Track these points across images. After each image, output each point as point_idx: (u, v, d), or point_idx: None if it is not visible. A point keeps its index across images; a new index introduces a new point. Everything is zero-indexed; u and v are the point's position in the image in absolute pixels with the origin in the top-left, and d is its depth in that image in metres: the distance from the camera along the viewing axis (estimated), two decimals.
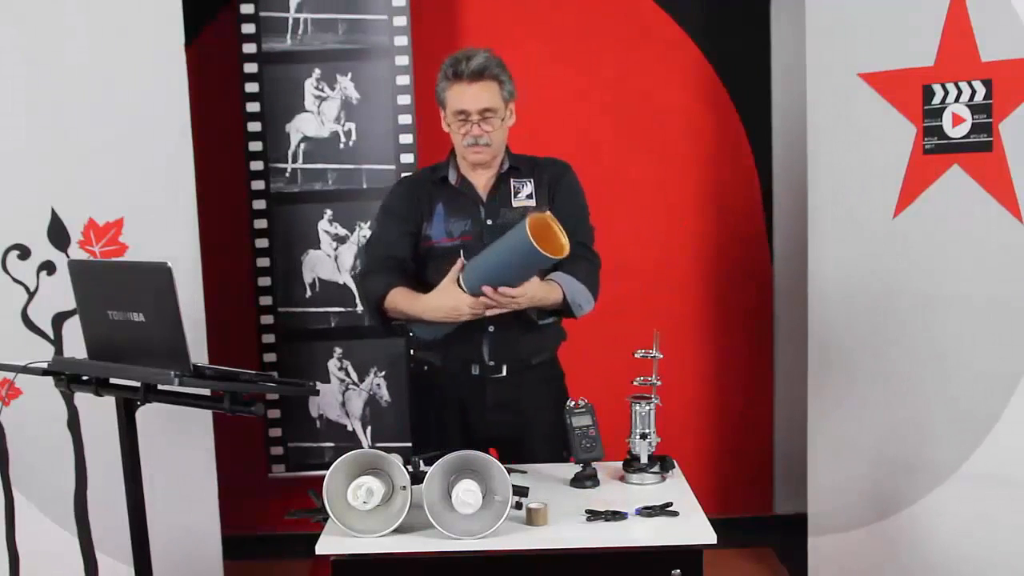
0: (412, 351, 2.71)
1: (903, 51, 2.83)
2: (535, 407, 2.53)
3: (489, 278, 2.30)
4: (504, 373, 2.50)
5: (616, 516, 2.06)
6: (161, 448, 2.68)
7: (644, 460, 2.31)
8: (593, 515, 2.06)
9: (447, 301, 2.36)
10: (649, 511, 2.10)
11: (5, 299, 2.86)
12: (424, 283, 2.50)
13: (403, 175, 2.67)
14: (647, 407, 2.33)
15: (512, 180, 2.52)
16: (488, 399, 2.51)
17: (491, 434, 2.50)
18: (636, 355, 2.34)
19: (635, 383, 2.34)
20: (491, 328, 2.47)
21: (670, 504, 2.11)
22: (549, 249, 2.22)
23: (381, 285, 2.47)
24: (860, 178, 2.96)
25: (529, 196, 2.51)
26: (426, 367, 2.59)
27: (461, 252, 2.43)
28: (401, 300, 2.44)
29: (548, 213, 2.31)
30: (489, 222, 2.49)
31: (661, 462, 2.32)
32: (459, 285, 2.36)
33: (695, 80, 3.82)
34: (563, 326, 2.62)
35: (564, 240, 2.26)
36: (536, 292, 2.36)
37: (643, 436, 2.32)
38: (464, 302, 2.34)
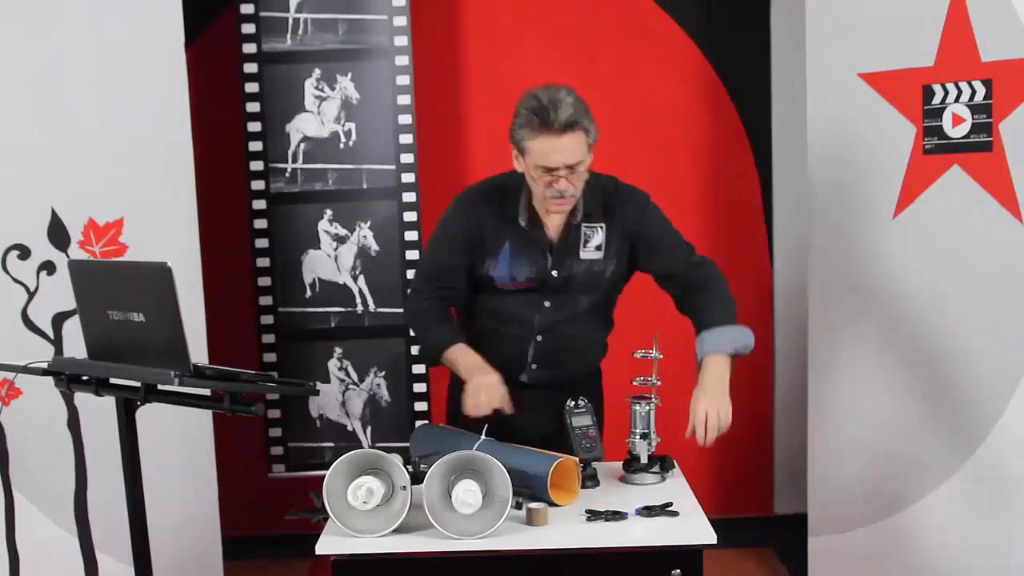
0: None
1: (903, 51, 2.83)
2: None
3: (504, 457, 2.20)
4: (545, 382, 2.45)
5: (616, 516, 2.06)
6: (161, 448, 2.68)
7: (644, 460, 2.31)
8: (593, 515, 2.06)
9: (480, 392, 2.29)
10: (649, 511, 2.10)
11: (5, 299, 2.86)
12: (472, 311, 2.49)
13: (471, 188, 2.51)
14: (647, 407, 2.33)
15: (584, 227, 2.39)
16: (522, 400, 2.44)
17: (526, 433, 2.40)
18: (636, 355, 2.34)
19: (635, 383, 2.34)
20: (539, 338, 2.44)
21: (670, 504, 2.11)
22: (562, 489, 2.16)
23: (446, 336, 2.41)
24: (860, 178, 2.96)
25: (598, 247, 2.40)
26: None
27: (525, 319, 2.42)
28: (456, 360, 2.39)
29: (576, 461, 2.22)
30: (554, 273, 2.39)
31: (661, 462, 2.33)
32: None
33: (695, 80, 3.82)
34: (607, 341, 2.58)
35: (576, 488, 2.19)
36: (720, 399, 2.29)
37: (643, 436, 2.32)
38: (492, 395, 2.28)
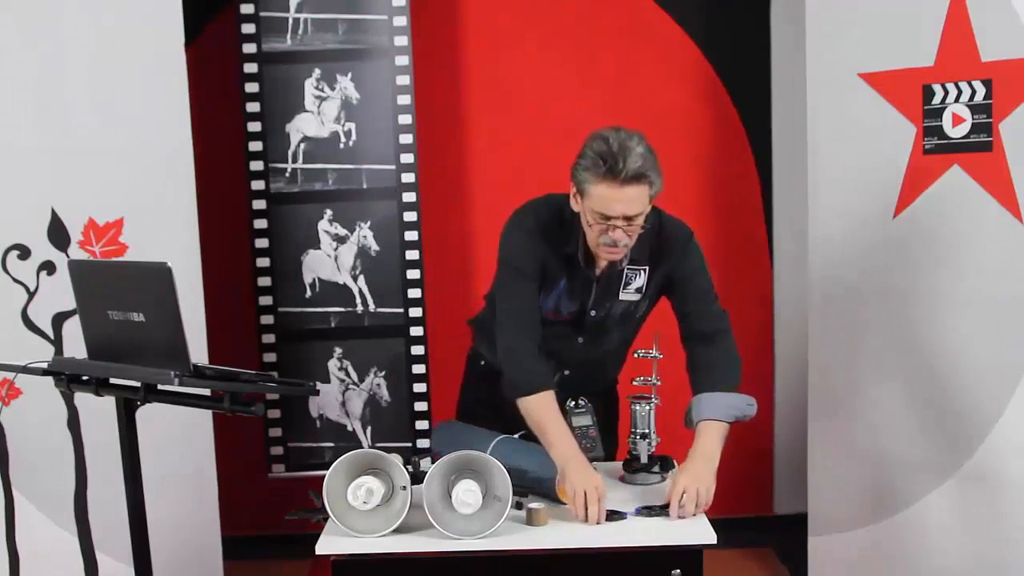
0: (476, 347, 2.65)
1: (903, 51, 2.83)
2: None
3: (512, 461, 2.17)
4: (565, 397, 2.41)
5: (615, 516, 2.06)
6: (161, 448, 2.67)
7: (644, 460, 2.31)
8: None
9: (585, 500, 2.08)
10: (649, 511, 2.10)
11: (5, 299, 2.86)
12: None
13: (527, 211, 2.39)
14: (647, 407, 2.33)
15: (627, 269, 2.35)
16: None
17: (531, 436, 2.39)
18: (636, 355, 2.35)
19: (635, 383, 2.34)
20: (566, 372, 2.44)
21: (669, 504, 2.11)
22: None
23: (539, 380, 2.27)
24: (860, 178, 2.96)
25: (639, 290, 2.37)
26: (483, 362, 2.58)
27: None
28: (541, 409, 2.24)
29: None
30: (593, 313, 2.37)
31: (661, 462, 2.33)
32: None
33: (695, 80, 3.82)
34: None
35: None
36: (704, 476, 2.15)
37: (643, 436, 2.32)
38: (589, 485, 2.08)
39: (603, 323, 2.39)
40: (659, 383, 2.33)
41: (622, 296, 2.37)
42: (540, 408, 2.23)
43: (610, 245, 2.21)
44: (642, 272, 2.36)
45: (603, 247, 2.23)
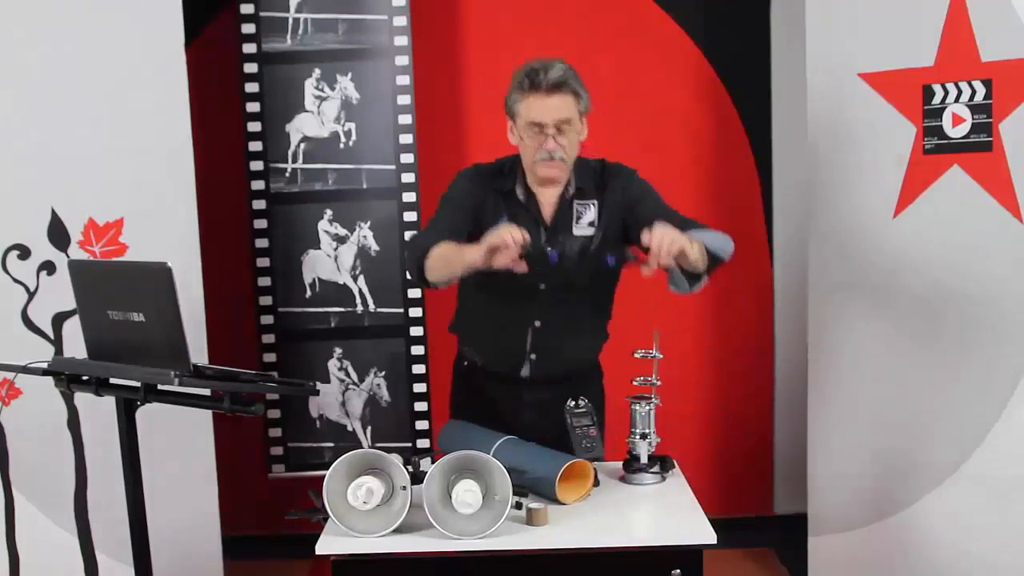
0: (459, 347, 2.65)
1: (903, 51, 2.83)
2: None
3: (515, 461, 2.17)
4: (546, 377, 2.44)
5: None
6: (161, 448, 2.67)
7: (644, 460, 2.31)
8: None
9: (502, 234, 2.06)
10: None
11: (5, 299, 2.86)
12: (468, 303, 2.50)
13: (466, 168, 2.49)
14: (647, 407, 2.33)
15: (576, 203, 2.41)
16: (526, 398, 2.47)
17: (527, 434, 2.39)
18: (636, 355, 2.34)
19: (635, 383, 2.34)
20: (537, 323, 2.43)
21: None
22: (573, 487, 2.16)
23: (432, 240, 2.28)
24: (860, 178, 2.96)
25: (591, 223, 2.41)
26: (465, 363, 2.58)
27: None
28: (448, 249, 2.24)
29: (591, 467, 2.20)
30: (549, 249, 2.39)
31: (661, 462, 2.33)
32: None
33: (695, 80, 3.82)
34: (607, 329, 2.57)
35: (589, 485, 2.19)
36: (677, 236, 2.07)
37: (643, 436, 2.32)
38: (513, 231, 2.05)
39: (561, 264, 2.39)
40: (659, 383, 2.33)
41: (576, 231, 2.40)
42: (443, 248, 2.23)
43: (547, 160, 2.31)
44: (591, 205, 2.41)
45: (541, 164, 2.32)
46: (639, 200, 2.43)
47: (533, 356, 2.44)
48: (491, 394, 2.50)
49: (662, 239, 2.06)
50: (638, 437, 2.32)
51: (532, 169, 2.38)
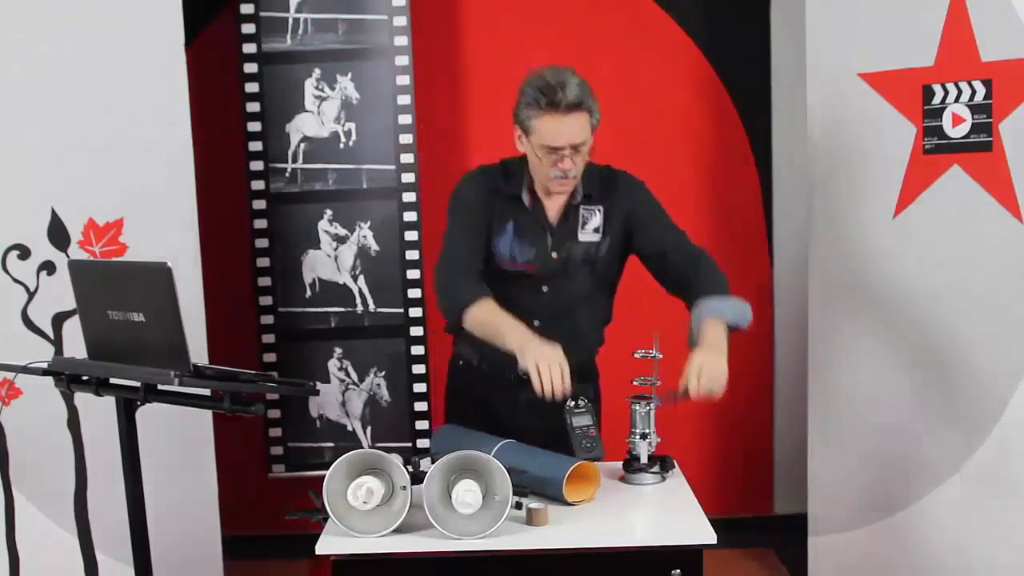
0: (455, 347, 2.66)
1: (903, 51, 2.83)
2: None
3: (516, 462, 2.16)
4: None
5: (580, 404, 2.13)
6: (161, 448, 2.68)
7: (644, 460, 2.31)
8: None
9: (549, 372, 2.12)
10: (673, 395, 2.17)
11: (5, 299, 2.86)
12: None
13: (472, 170, 2.48)
14: (647, 407, 2.33)
15: (582, 208, 2.41)
16: (521, 399, 2.42)
17: (522, 434, 2.37)
18: (636, 355, 2.34)
19: (635, 383, 2.34)
20: (536, 323, 2.40)
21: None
22: (578, 488, 2.15)
23: (471, 293, 2.31)
24: (860, 178, 2.96)
25: (596, 229, 2.41)
26: (461, 362, 2.58)
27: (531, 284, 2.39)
28: (487, 316, 2.28)
29: (595, 467, 2.19)
30: (554, 255, 2.40)
31: (661, 462, 2.32)
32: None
33: (695, 80, 3.82)
34: (605, 334, 2.58)
35: (593, 489, 2.18)
36: (718, 358, 2.18)
37: (643, 436, 2.32)
38: (564, 373, 2.11)
39: (565, 267, 2.40)
40: (659, 383, 2.33)
41: (581, 237, 2.40)
42: (485, 312, 2.27)
43: (561, 178, 2.29)
44: (597, 211, 2.41)
45: (555, 181, 2.31)
46: (647, 216, 2.44)
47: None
48: (486, 394, 2.50)
49: (700, 376, 2.13)
50: (638, 437, 2.32)
51: (544, 183, 2.37)
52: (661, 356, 2.33)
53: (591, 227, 2.42)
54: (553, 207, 2.42)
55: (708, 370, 2.15)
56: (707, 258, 2.45)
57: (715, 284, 2.37)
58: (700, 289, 2.35)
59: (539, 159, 2.30)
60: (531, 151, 2.32)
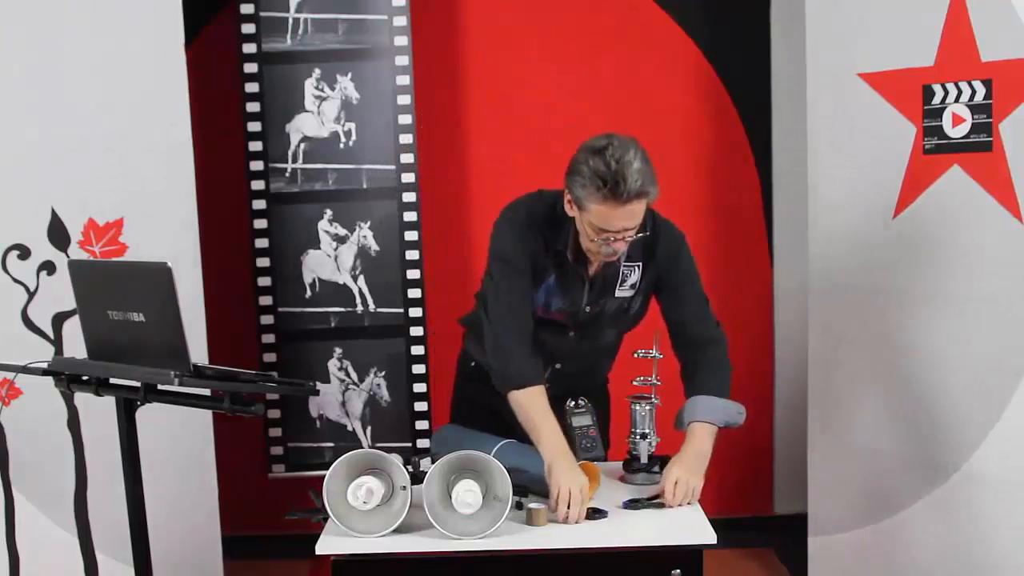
0: (464, 345, 2.64)
1: (903, 51, 2.83)
2: None
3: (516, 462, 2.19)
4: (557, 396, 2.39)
5: (596, 514, 2.06)
6: (161, 448, 2.68)
7: (644, 460, 2.31)
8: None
9: (569, 500, 2.07)
10: (636, 503, 2.10)
11: (5, 299, 2.86)
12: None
13: (517, 208, 2.35)
14: (647, 407, 2.33)
15: (623, 267, 2.33)
16: None
17: (525, 438, 2.35)
18: (636, 355, 2.34)
19: (635, 383, 2.34)
20: (558, 366, 2.42)
21: (657, 497, 2.11)
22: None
23: (526, 378, 2.26)
24: (860, 178, 2.96)
25: (633, 286, 2.35)
26: (472, 363, 2.57)
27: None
28: (530, 410, 2.23)
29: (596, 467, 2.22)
30: (587, 308, 2.36)
31: (661, 462, 2.33)
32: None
33: (695, 80, 3.82)
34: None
35: (595, 485, 2.19)
36: (694, 475, 2.19)
37: (643, 436, 2.32)
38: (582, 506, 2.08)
39: (596, 320, 2.39)
40: (659, 383, 2.33)
41: (618, 293, 2.36)
42: (531, 403, 2.23)
43: (610, 254, 2.22)
44: (636, 268, 2.35)
45: (603, 255, 2.23)
46: (678, 282, 2.38)
47: (547, 385, 2.36)
48: (492, 395, 2.49)
49: (676, 491, 2.15)
50: (638, 437, 2.32)
51: (590, 254, 2.28)
52: (661, 356, 2.33)
53: (628, 284, 2.36)
54: (595, 262, 2.33)
55: (683, 488, 2.16)
56: (718, 346, 2.40)
57: (716, 384, 2.33)
58: (700, 385, 2.33)
59: (588, 235, 2.19)
60: (581, 225, 2.20)
